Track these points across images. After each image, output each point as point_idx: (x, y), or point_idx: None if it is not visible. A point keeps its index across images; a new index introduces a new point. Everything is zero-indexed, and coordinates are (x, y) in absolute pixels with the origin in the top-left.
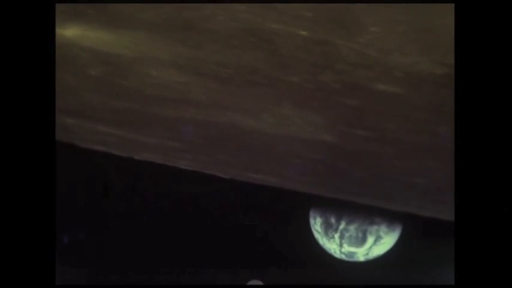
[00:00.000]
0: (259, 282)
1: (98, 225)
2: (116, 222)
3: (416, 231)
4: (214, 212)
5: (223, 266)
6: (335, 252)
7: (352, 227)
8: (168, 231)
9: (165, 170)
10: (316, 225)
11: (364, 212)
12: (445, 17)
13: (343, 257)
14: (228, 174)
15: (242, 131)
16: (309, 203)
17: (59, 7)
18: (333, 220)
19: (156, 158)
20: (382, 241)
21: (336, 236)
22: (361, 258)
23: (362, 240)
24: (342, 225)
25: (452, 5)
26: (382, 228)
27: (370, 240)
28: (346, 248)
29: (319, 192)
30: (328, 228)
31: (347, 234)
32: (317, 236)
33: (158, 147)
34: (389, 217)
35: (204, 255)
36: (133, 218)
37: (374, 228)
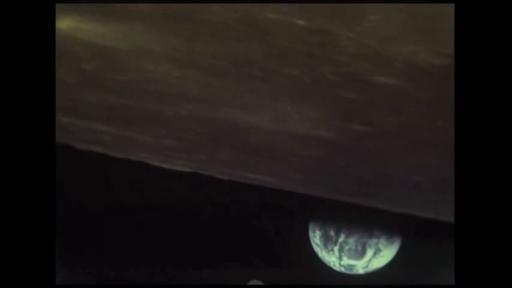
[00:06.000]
0: (259, 282)
1: (96, 226)
2: (115, 223)
3: (416, 241)
4: (214, 212)
5: (223, 266)
6: (334, 265)
7: (351, 240)
8: (167, 232)
9: (162, 171)
10: (316, 238)
11: (363, 219)
12: (445, 4)
13: (343, 269)
14: (226, 175)
15: (239, 127)
16: (308, 204)
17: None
18: (332, 233)
19: (153, 158)
20: (381, 254)
21: (335, 248)
22: (361, 271)
23: (361, 253)
24: (341, 238)
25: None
26: (382, 241)
27: (370, 253)
28: (346, 261)
29: (318, 192)
30: (327, 241)
31: (346, 247)
32: (316, 248)
33: (154, 146)
34: (389, 223)
35: (203, 256)
36: (133, 219)
37: (373, 241)
